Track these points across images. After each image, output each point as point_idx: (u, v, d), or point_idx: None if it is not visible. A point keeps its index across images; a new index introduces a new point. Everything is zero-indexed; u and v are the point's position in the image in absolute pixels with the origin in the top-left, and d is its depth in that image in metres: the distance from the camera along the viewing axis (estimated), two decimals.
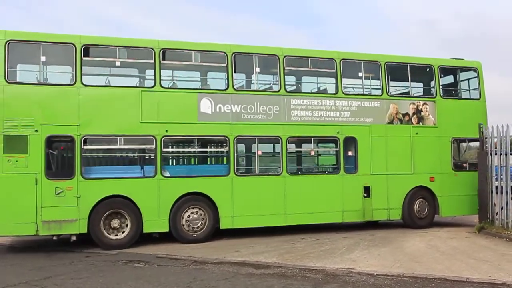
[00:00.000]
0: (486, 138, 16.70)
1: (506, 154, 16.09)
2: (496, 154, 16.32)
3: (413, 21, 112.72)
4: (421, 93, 17.95)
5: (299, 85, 16.69)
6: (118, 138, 14.02)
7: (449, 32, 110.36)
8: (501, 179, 16.01)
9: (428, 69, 17.73)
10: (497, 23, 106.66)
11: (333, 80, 16.36)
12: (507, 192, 15.87)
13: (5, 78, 13.17)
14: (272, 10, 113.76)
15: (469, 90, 18.27)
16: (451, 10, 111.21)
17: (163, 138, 14.37)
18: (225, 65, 15.09)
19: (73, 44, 13.70)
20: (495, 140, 16.32)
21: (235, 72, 15.21)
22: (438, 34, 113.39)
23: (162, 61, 14.50)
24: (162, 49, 14.57)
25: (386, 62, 17.00)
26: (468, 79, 18.29)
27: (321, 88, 16.82)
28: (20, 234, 13.27)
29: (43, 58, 13.62)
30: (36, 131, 13.27)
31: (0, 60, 13.14)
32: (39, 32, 13.63)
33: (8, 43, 13.24)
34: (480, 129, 16.80)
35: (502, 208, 15.92)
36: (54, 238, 13.62)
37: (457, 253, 12.63)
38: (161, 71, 14.53)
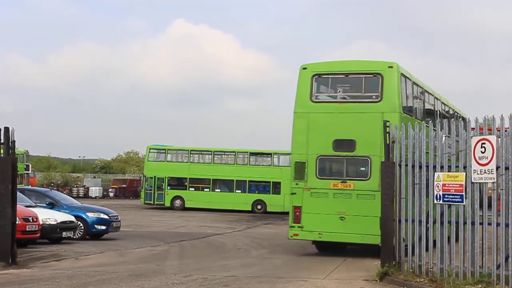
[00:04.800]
0: (393, 141, 13.23)
1: (420, 167, 12.67)
2: (407, 165, 12.91)
3: None
4: None
5: None
6: None
7: None
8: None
9: None
10: None
11: None
12: (420, 222, 12.75)
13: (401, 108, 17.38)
14: None
15: None
16: None
17: None
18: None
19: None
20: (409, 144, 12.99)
21: None
22: None
23: None
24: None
25: None
26: None
27: None
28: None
29: None
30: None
31: (393, 87, 17.36)
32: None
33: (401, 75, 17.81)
34: (385, 128, 13.30)
35: (413, 246, 12.88)
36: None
37: None
38: None
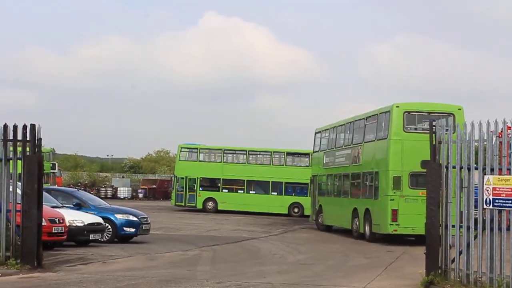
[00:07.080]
0: (440, 142, 13.18)
1: (469, 169, 12.60)
2: (455, 168, 12.84)
3: None
4: None
5: None
6: None
7: None
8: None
9: None
10: None
11: None
12: (469, 228, 12.69)
13: None
14: None
15: None
16: None
17: None
18: None
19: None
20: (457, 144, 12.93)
21: None
22: None
23: None
24: None
25: None
26: None
27: None
28: None
29: None
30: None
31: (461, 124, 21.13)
32: None
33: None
34: (431, 128, 13.27)
35: (461, 253, 12.80)
36: None
37: None
38: None
